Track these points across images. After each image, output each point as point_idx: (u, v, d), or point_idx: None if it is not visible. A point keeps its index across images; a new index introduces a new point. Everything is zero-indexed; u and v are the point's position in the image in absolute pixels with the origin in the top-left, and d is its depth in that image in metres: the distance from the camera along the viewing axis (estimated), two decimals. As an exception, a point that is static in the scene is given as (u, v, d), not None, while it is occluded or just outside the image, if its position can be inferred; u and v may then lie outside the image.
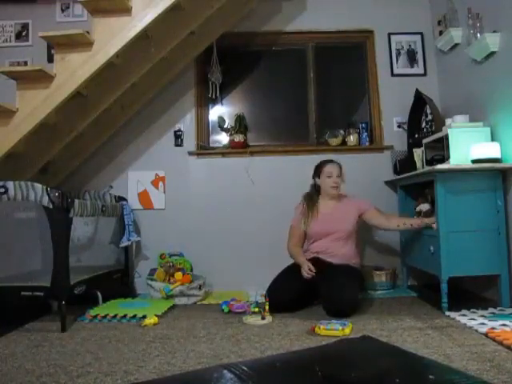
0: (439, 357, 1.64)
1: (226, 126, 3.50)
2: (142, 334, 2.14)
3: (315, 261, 2.61)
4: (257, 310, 2.35)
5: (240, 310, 2.52)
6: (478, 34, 2.64)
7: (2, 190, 2.22)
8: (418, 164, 2.90)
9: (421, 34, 3.47)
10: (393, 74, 3.47)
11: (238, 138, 3.39)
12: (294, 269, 2.64)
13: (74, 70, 2.41)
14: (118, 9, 2.39)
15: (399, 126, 3.41)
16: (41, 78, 2.39)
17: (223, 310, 2.57)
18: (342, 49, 3.61)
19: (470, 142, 2.48)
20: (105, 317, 2.45)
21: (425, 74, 3.45)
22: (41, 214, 2.27)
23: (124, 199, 3.23)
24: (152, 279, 3.01)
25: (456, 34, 2.98)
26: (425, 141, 2.83)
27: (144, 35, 2.58)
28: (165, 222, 3.34)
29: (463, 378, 0.93)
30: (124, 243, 3.05)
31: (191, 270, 3.16)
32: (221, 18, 3.12)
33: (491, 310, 2.34)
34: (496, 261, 2.40)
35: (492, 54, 2.58)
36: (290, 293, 2.48)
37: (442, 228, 2.39)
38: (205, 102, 3.52)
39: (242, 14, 3.30)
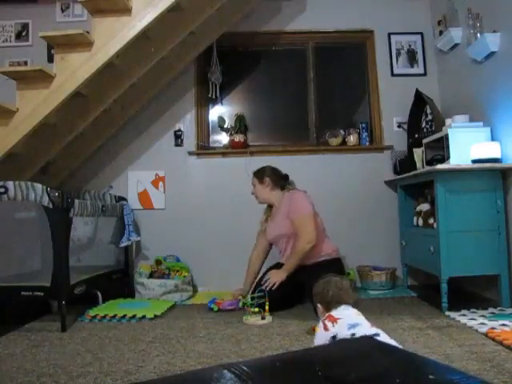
0: (439, 357, 1.64)
1: (226, 126, 3.50)
2: (141, 334, 2.14)
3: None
4: (257, 310, 2.35)
5: (231, 307, 2.55)
6: (478, 34, 2.64)
7: (2, 189, 2.22)
8: (418, 164, 2.90)
9: (421, 34, 3.47)
10: (393, 74, 3.47)
11: (238, 137, 3.39)
12: (277, 268, 2.64)
13: (73, 70, 2.41)
14: (118, 9, 2.39)
15: (399, 126, 3.41)
16: (41, 77, 2.39)
17: (212, 309, 2.58)
18: (341, 49, 3.61)
19: (470, 141, 2.49)
20: (104, 317, 2.45)
21: (425, 74, 3.45)
22: (41, 214, 2.27)
23: (124, 199, 3.24)
24: (140, 273, 3.01)
25: (456, 34, 2.98)
26: (425, 141, 2.83)
27: (144, 35, 2.58)
28: (165, 222, 3.35)
29: (463, 378, 0.93)
30: (124, 243, 3.05)
31: (188, 272, 3.15)
32: (221, 18, 3.12)
33: (491, 309, 2.34)
34: (496, 261, 2.40)
35: (492, 54, 2.58)
36: (278, 292, 2.46)
37: (442, 228, 2.39)
38: (205, 102, 3.52)
39: (242, 14, 3.30)
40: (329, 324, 1.41)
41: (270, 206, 2.84)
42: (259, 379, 1.02)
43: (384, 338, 1.31)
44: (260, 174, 2.78)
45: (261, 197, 2.79)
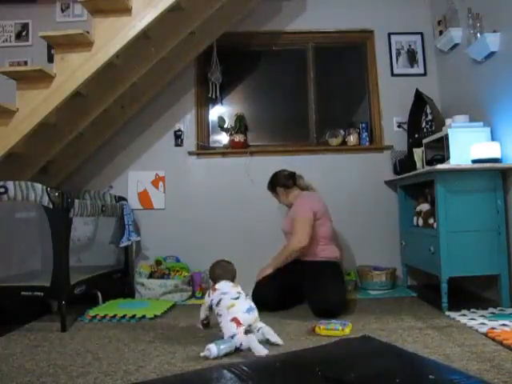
0: (439, 357, 1.64)
1: (226, 126, 3.50)
2: (141, 334, 2.14)
3: (294, 261, 2.65)
4: None
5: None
6: (478, 34, 2.64)
7: (2, 189, 2.22)
8: (418, 164, 2.90)
9: (421, 34, 3.47)
10: (393, 74, 3.47)
11: (238, 137, 3.39)
12: (279, 268, 2.68)
13: (73, 70, 2.41)
14: (118, 9, 2.39)
15: (399, 126, 3.41)
16: (41, 78, 2.39)
17: None
18: (341, 49, 3.61)
19: (470, 141, 2.49)
20: (104, 317, 2.45)
21: (425, 74, 3.45)
22: (41, 214, 2.27)
23: (124, 199, 3.23)
24: (140, 273, 3.00)
25: (456, 34, 2.98)
26: (425, 141, 2.83)
27: (144, 35, 2.58)
28: (165, 222, 3.35)
29: (463, 378, 0.94)
30: (124, 243, 3.05)
31: (188, 272, 3.14)
32: (221, 17, 3.12)
33: (491, 309, 2.34)
34: (496, 261, 2.40)
35: (492, 53, 2.58)
36: (276, 292, 2.52)
37: (442, 228, 2.39)
38: (205, 101, 3.52)
39: (242, 14, 3.30)
40: (211, 292, 2.08)
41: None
42: (259, 379, 1.02)
43: (243, 298, 1.98)
44: (271, 187, 2.91)
45: (284, 203, 2.91)
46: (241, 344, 1.73)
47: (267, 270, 2.62)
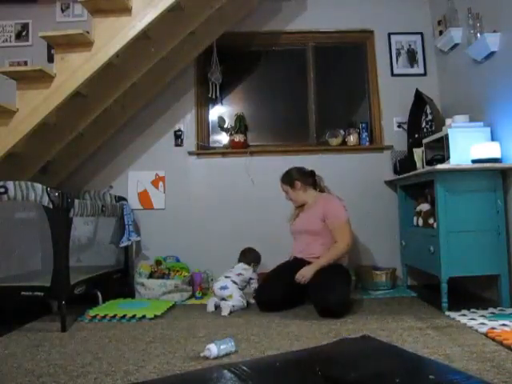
0: (439, 357, 1.64)
1: (226, 126, 3.50)
2: (141, 334, 2.14)
3: (301, 261, 2.65)
4: None
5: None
6: (478, 34, 2.64)
7: (2, 189, 2.22)
8: (418, 164, 2.90)
9: (421, 33, 3.47)
10: (393, 74, 3.47)
11: (238, 137, 3.39)
12: (284, 268, 2.70)
13: (74, 70, 2.41)
14: (118, 9, 2.39)
15: (399, 126, 3.41)
16: (41, 78, 2.39)
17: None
18: (342, 49, 3.61)
19: (470, 141, 2.49)
20: (104, 317, 2.45)
21: (425, 74, 3.45)
22: (41, 214, 2.27)
23: (124, 199, 3.23)
24: (140, 273, 3.00)
25: (456, 34, 2.98)
26: (425, 141, 2.83)
27: (144, 35, 2.58)
28: (165, 222, 3.35)
29: (463, 378, 0.94)
30: (124, 243, 3.05)
31: (188, 272, 3.14)
32: (221, 18, 3.12)
33: (491, 309, 2.34)
34: (496, 261, 2.40)
35: (492, 53, 2.58)
36: (279, 292, 2.53)
37: (442, 228, 2.39)
38: (205, 102, 3.52)
39: (242, 14, 3.30)
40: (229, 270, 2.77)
41: (301, 205, 2.84)
42: (259, 379, 1.02)
43: (231, 278, 2.65)
44: (289, 180, 2.79)
45: (298, 201, 2.81)
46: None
47: (312, 269, 2.51)
